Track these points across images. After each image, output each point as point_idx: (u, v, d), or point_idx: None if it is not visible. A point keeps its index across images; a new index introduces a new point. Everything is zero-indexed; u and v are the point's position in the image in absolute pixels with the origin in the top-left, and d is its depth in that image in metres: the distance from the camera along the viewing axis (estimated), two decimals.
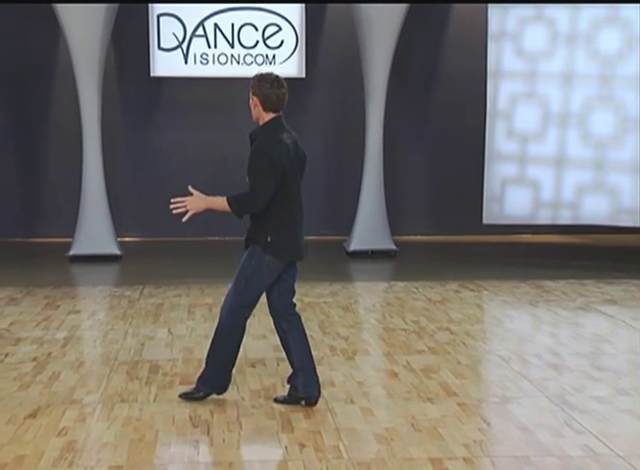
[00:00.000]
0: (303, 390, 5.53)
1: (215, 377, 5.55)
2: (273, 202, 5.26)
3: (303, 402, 5.53)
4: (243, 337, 5.53)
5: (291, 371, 5.61)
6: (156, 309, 8.37)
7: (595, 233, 13.04)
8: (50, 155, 13.04)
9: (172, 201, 5.26)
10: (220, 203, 5.26)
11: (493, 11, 11.22)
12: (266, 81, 5.33)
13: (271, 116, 5.36)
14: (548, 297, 9.09)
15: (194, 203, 5.27)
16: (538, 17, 11.03)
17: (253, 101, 5.37)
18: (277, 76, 5.38)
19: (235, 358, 5.56)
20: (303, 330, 5.57)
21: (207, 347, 5.58)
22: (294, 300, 5.58)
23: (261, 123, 5.40)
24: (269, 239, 5.30)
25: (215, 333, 5.49)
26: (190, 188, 5.37)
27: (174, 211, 5.26)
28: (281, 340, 5.60)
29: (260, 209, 5.23)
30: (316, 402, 5.51)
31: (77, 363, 6.53)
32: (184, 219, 5.28)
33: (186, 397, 5.62)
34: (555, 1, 10.92)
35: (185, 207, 5.26)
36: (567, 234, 13.36)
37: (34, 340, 7.20)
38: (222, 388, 5.59)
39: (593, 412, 5.45)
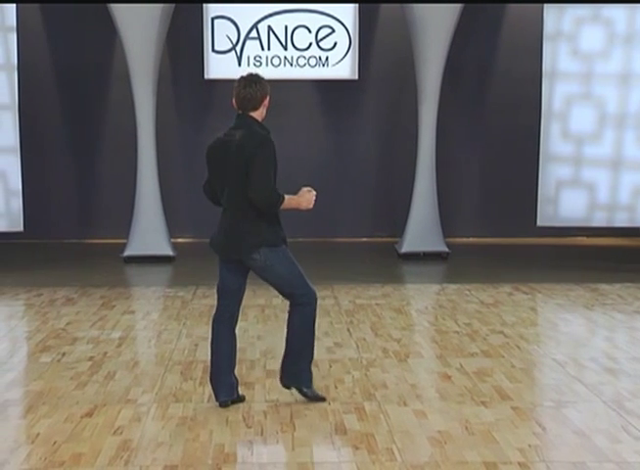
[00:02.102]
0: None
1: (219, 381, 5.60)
2: None
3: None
4: (229, 331, 5.61)
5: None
6: (209, 310, 8.41)
7: None
8: (105, 156, 13.21)
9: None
10: None
11: (549, 11, 11.11)
12: (237, 81, 5.56)
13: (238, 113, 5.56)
14: (604, 300, 8.96)
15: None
16: (595, 17, 10.89)
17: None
18: (246, 77, 5.54)
19: (223, 359, 5.62)
20: (290, 325, 5.57)
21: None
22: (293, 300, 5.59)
23: None
24: None
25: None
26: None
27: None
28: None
29: (205, 190, 5.68)
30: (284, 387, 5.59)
31: (132, 363, 6.60)
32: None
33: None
34: (612, 1, 10.76)
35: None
36: (622, 237, 13.16)
37: (90, 339, 7.30)
38: (223, 396, 5.61)
39: None
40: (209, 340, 5.64)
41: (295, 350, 5.55)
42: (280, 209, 5.36)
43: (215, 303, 5.61)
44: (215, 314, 5.61)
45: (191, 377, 6.21)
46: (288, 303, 5.58)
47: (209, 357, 5.62)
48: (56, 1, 12.34)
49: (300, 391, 5.61)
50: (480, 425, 5.22)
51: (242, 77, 5.53)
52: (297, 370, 5.57)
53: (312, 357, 5.60)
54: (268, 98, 5.52)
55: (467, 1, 11.31)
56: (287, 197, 5.35)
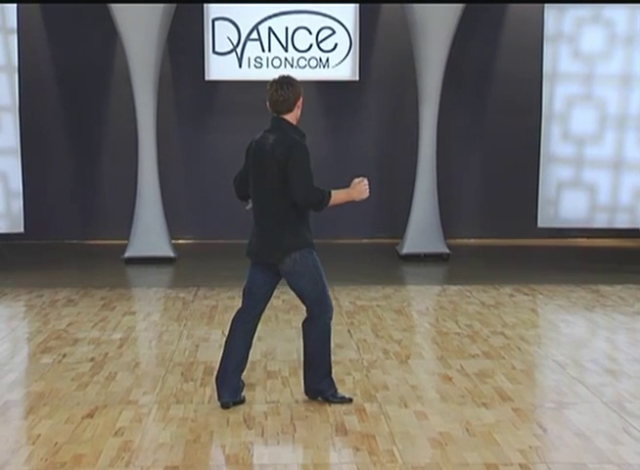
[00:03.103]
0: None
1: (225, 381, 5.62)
2: None
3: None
4: (248, 333, 5.68)
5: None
6: (210, 311, 8.44)
7: None
8: (106, 158, 13.22)
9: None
10: None
11: (549, 12, 11.10)
12: (269, 84, 5.53)
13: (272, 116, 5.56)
14: (605, 301, 8.96)
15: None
16: (595, 18, 10.89)
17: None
18: (278, 80, 5.53)
19: (238, 358, 5.67)
20: (307, 336, 5.64)
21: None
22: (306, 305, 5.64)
23: None
24: None
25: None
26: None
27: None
28: None
29: (235, 187, 5.73)
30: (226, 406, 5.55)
31: (133, 364, 6.61)
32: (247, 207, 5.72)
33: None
34: (612, 0, 10.75)
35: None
36: (623, 238, 13.15)
37: (91, 340, 7.30)
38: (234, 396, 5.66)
39: None
40: (225, 338, 5.66)
41: (314, 364, 5.61)
42: (330, 205, 5.39)
43: (240, 303, 5.66)
44: (237, 314, 5.63)
45: (192, 378, 6.21)
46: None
47: (222, 355, 5.63)
48: (56, 1, 12.33)
49: (327, 400, 5.64)
50: (480, 426, 5.22)
51: (274, 80, 5.51)
52: (319, 384, 5.63)
53: (331, 367, 5.66)
54: (301, 99, 5.52)
55: (467, 1, 11.31)
56: (334, 192, 5.39)
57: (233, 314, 5.71)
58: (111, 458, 4.72)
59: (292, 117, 5.50)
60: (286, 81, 5.47)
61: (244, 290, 5.64)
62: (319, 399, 5.67)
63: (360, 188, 5.47)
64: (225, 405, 5.53)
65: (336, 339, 7.24)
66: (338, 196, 5.42)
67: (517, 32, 13.11)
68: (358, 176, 5.60)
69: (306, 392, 5.71)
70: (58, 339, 7.36)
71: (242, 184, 5.64)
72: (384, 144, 13.35)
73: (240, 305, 5.70)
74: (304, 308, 5.66)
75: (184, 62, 13.04)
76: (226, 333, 7.44)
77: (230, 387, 5.55)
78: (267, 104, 5.53)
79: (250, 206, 5.60)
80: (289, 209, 5.38)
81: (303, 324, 5.64)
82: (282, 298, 8.75)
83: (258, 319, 5.66)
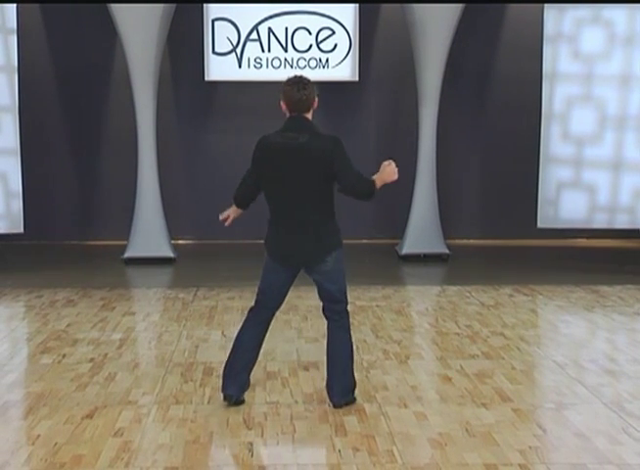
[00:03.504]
0: (328, 392, 5.60)
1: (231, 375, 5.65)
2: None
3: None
4: (254, 344, 5.61)
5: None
6: (209, 312, 8.44)
7: None
8: (105, 158, 13.21)
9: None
10: None
11: (549, 12, 11.10)
12: (288, 84, 5.45)
13: (289, 116, 5.47)
14: (604, 302, 8.96)
15: (231, 209, 5.83)
16: (595, 18, 10.88)
17: (282, 104, 5.49)
18: (299, 79, 5.47)
19: (248, 356, 5.64)
20: (339, 336, 5.56)
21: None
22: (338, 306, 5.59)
23: None
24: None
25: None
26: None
27: (221, 218, 5.78)
28: None
29: (236, 195, 5.72)
30: (337, 407, 5.51)
31: (133, 365, 6.60)
32: (226, 224, 5.82)
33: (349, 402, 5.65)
34: (612, 0, 10.74)
35: (227, 213, 5.82)
36: (623, 238, 13.15)
37: (91, 341, 7.30)
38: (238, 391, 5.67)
39: None
40: (237, 335, 5.62)
41: (346, 366, 5.57)
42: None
43: (256, 302, 5.61)
44: (252, 312, 5.58)
45: (191, 379, 6.21)
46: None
47: (231, 349, 5.61)
48: (56, 1, 12.33)
49: (348, 402, 5.62)
50: (480, 427, 5.22)
51: (292, 81, 5.45)
52: (347, 386, 5.60)
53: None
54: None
55: (467, 1, 11.31)
56: (374, 178, 5.43)
57: (245, 319, 5.64)
58: (110, 459, 4.72)
59: (310, 116, 5.49)
60: (305, 80, 5.45)
61: (260, 289, 5.59)
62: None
63: (390, 170, 5.46)
64: (229, 398, 5.54)
65: None
66: (378, 182, 5.46)
67: (516, 33, 13.11)
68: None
69: (334, 401, 5.55)
70: (57, 339, 7.35)
71: (249, 191, 5.62)
72: (383, 144, 13.35)
73: (248, 304, 5.68)
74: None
75: (184, 62, 13.04)
76: (226, 333, 7.50)
77: (237, 382, 5.56)
78: (284, 104, 5.43)
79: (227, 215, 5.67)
80: (327, 207, 5.42)
81: (335, 324, 5.55)
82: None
83: (272, 318, 5.66)
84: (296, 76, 5.51)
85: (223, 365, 5.68)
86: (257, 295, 5.63)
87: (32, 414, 5.45)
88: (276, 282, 5.55)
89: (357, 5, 12.31)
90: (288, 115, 5.46)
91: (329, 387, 5.58)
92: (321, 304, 5.63)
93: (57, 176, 13.13)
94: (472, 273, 10.81)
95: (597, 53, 10.90)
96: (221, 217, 5.76)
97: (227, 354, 6.79)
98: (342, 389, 5.56)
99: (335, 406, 5.52)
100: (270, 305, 5.59)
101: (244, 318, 5.68)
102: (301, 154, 5.32)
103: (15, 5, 10.80)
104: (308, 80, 5.48)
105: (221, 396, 5.70)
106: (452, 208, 12.92)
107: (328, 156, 5.31)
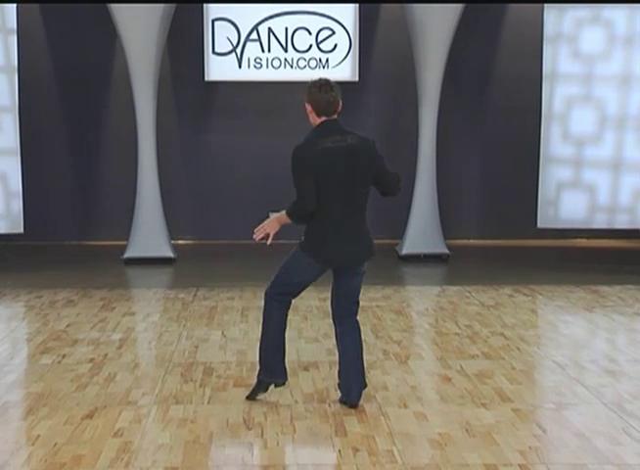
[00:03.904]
0: (345, 394, 5.59)
1: (268, 363, 5.61)
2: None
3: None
4: (283, 326, 5.58)
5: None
6: (209, 312, 8.43)
7: None
8: (105, 158, 13.21)
9: (254, 231, 5.48)
10: (284, 217, 5.44)
11: (549, 13, 11.10)
12: (315, 86, 5.41)
13: (322, 119, 5.41)
14: (604, 302, 8.95)
15: (270, 225, 5.48)
16: (595, 18, 10.88)
17: (307, 108, 5.44)
18: (326, 81, 5.43)
19: (281, 346, 5.60)
20: (356, 337, 5.60)
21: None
22: (354, 307, 5.62)
23: None
24: (302, 238, 5.45)
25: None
26: (270, 214, 5.55)
27: (257, 239, 5.50)
28: (336, 343, 5.71)
29: (310, 210, 5.34)
30: (355, 407, 5.52)
31: (133, 365, 6.60)
32: (268, 242, 5.52)
33: (252, 397, 5.68)
34: (613, 0, 10.74)
35: (265, 231, 5.47)
36: (623, 239, 13.15)
37: (91, 341, 7.30)
38: (279, 376, 5.64)
39: None
40: (265, 327, 5.58)
41: (362, 367, 5.61)
42: None
43: (280, 293, 5.53)
44: (281, 301, 5.52)
45: (191, 379, 6.21)
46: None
47: (265, 339, 5.58)
48: (56, 1, 12.33)
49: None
50: (480, 427, 5.22)
51: (320, 83, 5.41)
52: (364, 386, 5.63)
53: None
54: None
55: (467, 1, 11.30)
56: None
57: (280, 306, 5.56)
58: (110, 459, 4.72)
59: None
60: (332, 83, 5.43)
61: (289, 282, 5.48)
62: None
63: None
64: (281, 384, 5.66)
65: (335, 340, 7.26)
66: None
67: (516, 33, 13.10)
68: None
69: (353, 402, 5.55)
70: (57, 339, 7.35)
71: (314, 201, 5.38)
72: (383, 144, 13.17)
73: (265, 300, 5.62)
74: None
75: (184, 62, 13.03)
76: (226, 334, 7.50)
77: (281, 367, 5.61)
78: (311, 107, 5.39)
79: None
80: (365, 208, 5.53)
81: (350, 326, 5.59)
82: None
83: None
84: (321, 79, 5.49)
85: (261, 357, 5.63)
86: (281, 287, 5.50)
87: (32, 414, 5.45)
88: (309, 279, 5.53)
89: (357, 5, 12.31)
90: (317, 119, 5.41)
91: (347, 388, 5.58)
92: (330, 308, 5.65)
93: (57, 176, 13.12)
94: (472, 273, 10.81)
95: (597, 53, 10.90)
96: (258, 237, 5.50)
97: (227, 355, 6.83)
98: (360, 389, 5.59)
99: (352, 407, 5.52)
100: (293, 295, 5.59)
101: (265, 313, 5.58)
102: (355, 155, 5.36)
103: (15, 5, 10.81)
104: (335, 83, 5.46)
105: (221, 396, 5.76)
106: (452, 208, 12.92)
107: (373, 156, 5.42)
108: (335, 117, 5.42)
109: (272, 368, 5.62)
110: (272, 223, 5.46)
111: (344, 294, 5.59)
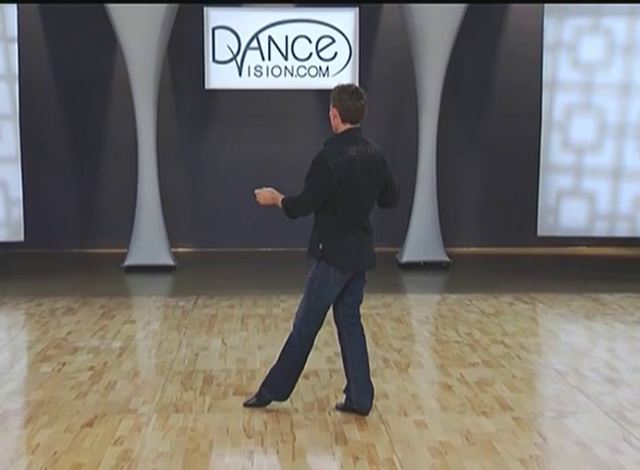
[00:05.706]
0: (356, 400, 5.56)
1: (280, 384, 5.59)
2: (327, 211, 5.34)
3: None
4: (306, 359, 5.58)
5: (346, 382, 5.63)
6: (209, 320, 8.43)
7: None
8: (106, 166, 13.23)
9: (255, 191, 5.56)
10: (279, 202, 5.47)
11: (549, 21, 11.12)
12: (346, 92, 5.34)
13: (347, 127, 5.38)
14: (605, 310, 8.95)
15: (266, 197, 5.53)
16: (595, 27, 10.91)
17: (333, 112, 5.38)
18: (357, 88, 5.40)
19: (302, 369, 5.61)
20: (363, 341, 5.61)
21: (278, 353, 5.63)
22: (360, 311, 5.65)
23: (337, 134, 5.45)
24: (320, 246, 5.37)
25: (286, 343, 5.57)
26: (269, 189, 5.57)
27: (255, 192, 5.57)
28: (341, 349, 5.67)
29: (305, 214, 5.42)
30: (367, 413, 5.52)
31: (133, 373, 6.60)
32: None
33: (249, 405, 5.67)
34: (613, 0, 10.73)
35: (260, 199, 5.53)
36: (623, 247, 13.15)
37: (91, 349, 7.29)
38: (285, 396, 5.64)
39: None
40: (288, 355, 5.51)
41: (369, 370, 5.61)
42: None
43: (314, 324, 5.46)
44: (313, 332, 5.46)
45: (191, 387, 6.20)
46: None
47: (283, 368, 5.55)
48: (56, 1, 12.32)
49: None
50: (480, 435, 5.21)
51: (351, 89, 5.35)
52: (373, 389, 5.62)
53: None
54: None
55: (467, 1, 11.27)
56: None
57: (300, 343, 5.47)
58: (110, 467, 4.71)
59: None
60: (361, 90, 5.39)
61: (320, 309, 5.41)
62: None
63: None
64: (283, 400, 5.66)
65: (335, 347, 7.22)
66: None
67: (516, 41, 13.13)
68: None
69: (365, 409, 5.55)
70: (57, 347, 7.35)
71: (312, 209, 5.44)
72: (384, 152, 13.34)
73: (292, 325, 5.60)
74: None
75: (184, 70, 13.06)
76: (226, 342, 7.50)
77: (292, 387, 5.62)
78: (340, 113, 5.32)
79: None
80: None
81: (357, 331, 5.59)
82: (281, 306, 8.75)
83: None
84: (352, 85, 5.46)
85: (271, 376, 5.62)
86: (315, 316, 5.42)
87: (32, 423, 5.44)
88: (335, 295, 5.47)
89: (357, 13, 12.32)
90: (341, 125, 5.36)
91: (358, 394, 5.55)
92: (334, 316, 5.63)
93: (57, 184, 13.13)
94: (472, 281, 10.80)
95: (597, 61, 10.92)
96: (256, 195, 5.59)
97: (227, 363, 6.82)
98: (371, 394, 5.58)
99: (365, 414, 5.51)
100: (322, 321, 5.50)
101: (293, 348, 5.49)
102: (375, 166, 5.40)
103: (15, 13, 10.82)
104: (363, 90, 5.43)
105: (221, 404, 5.76)
106: (452, 215, 12.92)
107: (386, 168, 5.48)
108: (358, 125, 5.42)
109: (279, 388, 5.61)
110: (268, 198, 5.50)
111: (356, 299, 5.60)
